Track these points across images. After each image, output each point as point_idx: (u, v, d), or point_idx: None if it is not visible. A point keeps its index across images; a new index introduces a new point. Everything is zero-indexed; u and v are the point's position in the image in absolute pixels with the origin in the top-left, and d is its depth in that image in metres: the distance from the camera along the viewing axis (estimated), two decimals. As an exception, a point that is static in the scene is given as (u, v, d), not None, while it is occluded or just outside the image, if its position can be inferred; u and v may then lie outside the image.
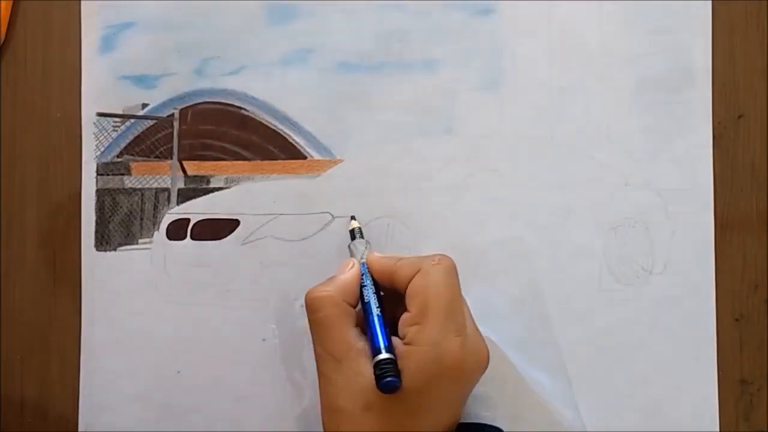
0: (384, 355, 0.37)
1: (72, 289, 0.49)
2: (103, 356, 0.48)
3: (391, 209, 0.47)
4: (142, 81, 0.49)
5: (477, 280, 0.45)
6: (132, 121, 0.49)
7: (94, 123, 0.49)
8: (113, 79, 0.49)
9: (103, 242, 0.49)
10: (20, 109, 0.50)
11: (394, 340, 0.39)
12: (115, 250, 0.49)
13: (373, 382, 0.38)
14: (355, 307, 0.41)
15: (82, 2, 0.49)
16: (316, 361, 0.40)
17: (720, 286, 0.46)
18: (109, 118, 0.49)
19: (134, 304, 0.48)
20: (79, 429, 0.48)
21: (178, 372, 0.48)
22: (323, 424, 0.40)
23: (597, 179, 0.47)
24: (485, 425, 0.43)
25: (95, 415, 0.48)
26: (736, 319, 0.46)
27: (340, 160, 0.48)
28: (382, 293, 0.42)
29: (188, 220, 0.48)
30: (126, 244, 0.49)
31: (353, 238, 0.45)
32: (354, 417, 0.38)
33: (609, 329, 0.46)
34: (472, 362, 0.39)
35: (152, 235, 0.49)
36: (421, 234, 0.47)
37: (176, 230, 0.48)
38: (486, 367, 0.40)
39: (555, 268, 0.47)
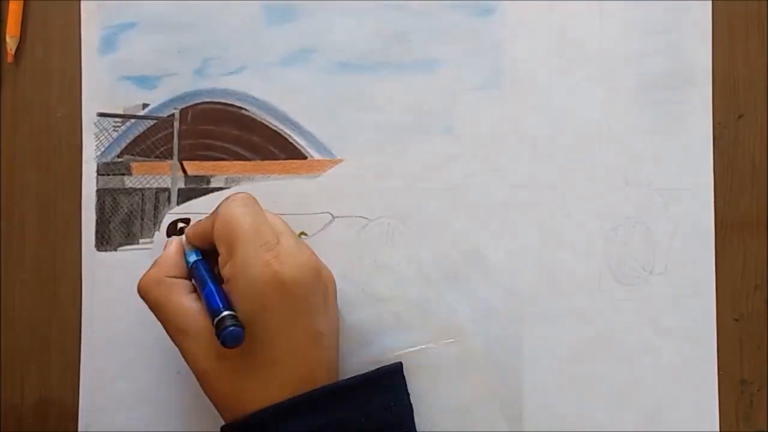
0: (222, 314, 0.37)
1: (72, 289, 0.49)
2: (103, 356, 0.48)
3: (391, 209, 0.47)
4: (143, 81, 0.49)
5: (477, 279, 0.45)
6: (132, 121, 0.49)
7: (95, 123, 0.49)
8: (114, 79, 0.49)
9: (104, 242, 0.49)
10: (20, 110, 0.50)
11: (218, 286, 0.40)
12: (115, 250, 0.49)
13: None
14: (183, 277, 0.42)
15: (82, 2, 0.49)
16: (173, 342, 0.41)
17: (720, 286, 0.46)
18: (109, 118, 0.49)
19: (134, 304, 0.46)
20: (79, 429, 0.48)
21: (178, 372, 0.48)
22: (205, 394, 0.41)
23: (597, 179, 0.47)
24: (383, 367, 0.42)
25: (95, 415, 0.48)
26: (736, 319, 0.46)
27: (340, 160, 0.48)
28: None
29: (189, 220, 0.48)
30: (126, 244, 0.49)
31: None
32: (216, 372, 0.39)
33: (609, 329, 0.46)
34: (292, 269, 0.38)
35: (153, 235, 0.49)
36: (421, 234, 0.47)
37: (177, 230, 0.48)
38: (313, 272, 0.40)
39: (555, 268, 0.47)
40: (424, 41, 0.48)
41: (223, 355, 0.38)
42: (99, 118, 0.49)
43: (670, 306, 0.46)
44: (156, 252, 0.48)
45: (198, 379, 0.40)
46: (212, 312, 0.38)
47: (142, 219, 0.49)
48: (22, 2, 0.49)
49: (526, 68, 0.47)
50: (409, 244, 0.47)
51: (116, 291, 0.48)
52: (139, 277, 0.46)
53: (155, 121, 0.49)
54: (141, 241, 0.49)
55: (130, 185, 0.49)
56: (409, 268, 0.47)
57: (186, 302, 0.40)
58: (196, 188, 0.48)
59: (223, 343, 0.36)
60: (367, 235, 0.47)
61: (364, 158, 0.48)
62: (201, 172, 0.49)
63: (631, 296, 0.46)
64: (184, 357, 0.40)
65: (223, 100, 0.48)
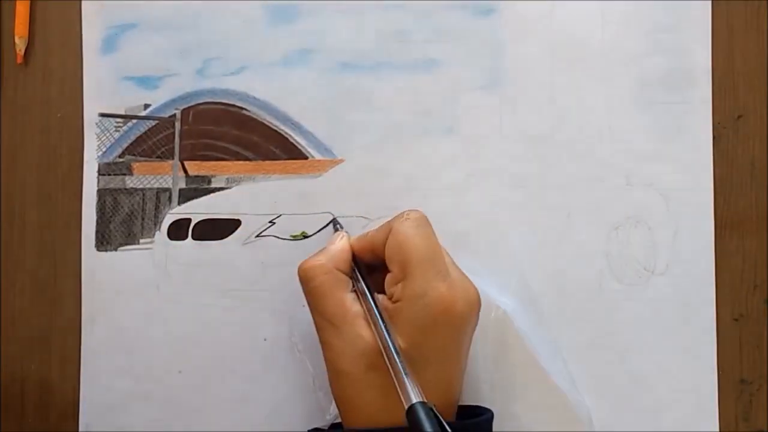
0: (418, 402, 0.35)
1: (72, 289, 0.49)
2: (104, 356, 0.48)
3: (391, 209, 0.46)
4: (145, 82, 0.49)
5: (477, 279, 0.44)
6: (134, 121, 0.49)
7: (96, 123, 0.49)
8: (115, 79, 0.49)
9: (104, 242, 0.49)
10: (21, 110, 0.50)
11: (383, 300, 0.40)
12: (116, 250, 0.49)
13: (374, 342, 0.38)
14: (348, 275, 0.42)
15: (83, 3, 0.49)
16: (317, 330, 0.41)
17: (720, 286, 0.46)
18: (111, 119, 0.49)
19: (135, 304, 0.48)
20: (79, 429, 0.48)
21: (179, 372, 0.48)
22: (331, 389, 0.40)
23: (598, 179, 0.47)
24: (479, 407, 0.42)
25: (95, 415, 0.48)
26: (736, 319, 0.46)
27: (341, 160, 0.48)
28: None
29: (189, 220, 0.48)
30: (127, 244, 0.49)
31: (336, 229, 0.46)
32: (357, 379, 0.39)
33: (610, 329, 0.46)
34: (462, 303, 0.39)
35: (153, 235, 0.49)
36: None
37: (177, 230, 0.48)
38: (479, 308, 0.40)
39: (556, 268, 0.47)
40: (425, 41, 0.48)
41: (370, 365, 0.38)
42: (100, 118, 0.49)
43: (670, 306, 0.46)
44: (157, 252, 0.48)
45: (332, 377, 0.40)
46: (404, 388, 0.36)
47: (143, 219, 0.49)
48: (29, 3, 0.49)
49: (526, 68, 0.47)
50: None
51: (116, 291, 0.48)
52: (140, 277, 0.47)
53: (156, 122, 0.49)
54: (141, 241, 0.49)
55: (131, 185, 0.49)
56: None
57: (348, 300, 0.40)
58: (197, 188, 0.48)
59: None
60: None
61: (364, 158, 0.48)
62: (202, 172, 0.49)
63: (631, 296, 0.46)
64: (324, 350, 0.40)
65: (224, 101, 0.49)
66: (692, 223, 0.46)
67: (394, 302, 0.39)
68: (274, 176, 0.48)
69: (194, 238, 0.48)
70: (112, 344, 0.48)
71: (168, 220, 0.49)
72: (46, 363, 0.49)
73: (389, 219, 0.42)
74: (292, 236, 0.48)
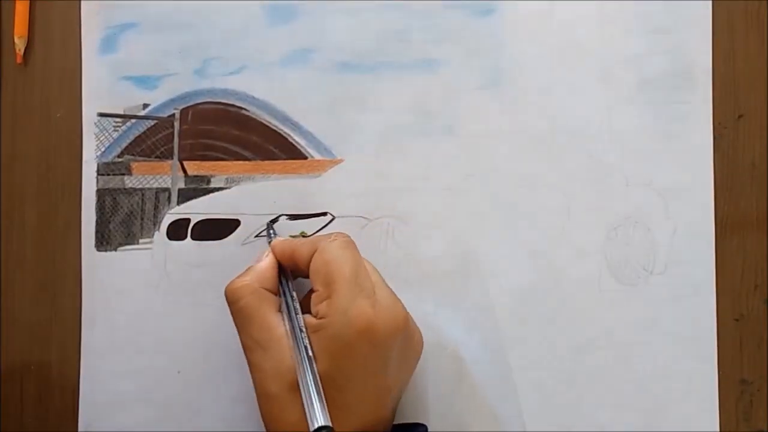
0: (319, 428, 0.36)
1: (72, 289, 0.49)
2: (103, 356, 0.48)
3: (391, 209, 0.47)
4: (143, 81, 0.49)
5: (477, 279, 0.45)
6: (133, 121, 0.49)
7: (95, 123, 0.49)
8: (114, 79, 0.49)
9: (104, 242, 0.49)
10: (21, 109, 0.50)
11: (307, 318, 0.40)
12: (115, 250, 0.49)
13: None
14: (275, 293, 0.42)
15: (82, 2, 0.49)
16: (244, 350, 0.41)
17: (720, 286, 0.46)
18: (110, 119, 0.49)
19: (134, 304, 0.48)
20: (79, 429, 0.48)
21: (179, 372, 0.48)
22: (260, 410, 0.40)
23: (597, 179, 0.47)
24: (413, 423, 0.43)
25: (95, 415, 0.48)
26: (736, 319, 0.46)
27: (341, 160, 0.48)
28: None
29: (189, 220, 0.48)
30: (126, 244, 0.49)
31: (269, 234, 0.46)
32: (282, 399, 0.38)
33: (609, 329, 0.46)
34: (386, 321, 0.38)
35: (153, 235, 0.49)
36: (421, 234, 0.47)
37: (177, 230, 0.48)
38: (404, 327, 0.40)
39: (555, 268, 0.47)
40: (425, 41, 0.48)
41: (293, 386, 0.38)
42: (99, 118, 0.49)
43: (670, 306, 0.46)
44: (156, 252, 0.48)
45: (258, 399, 0.40)
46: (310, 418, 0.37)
47: (142, 219, 0.49)
48: (28, 2, 0.49)
49: (526, 68, 0.47)
50: (409, 244, 0.47)
51: (116, 291, 0.48)
52: (140, 277, 0.47)
53: (155, 121, 0.49)
54: (141, 241, 0.49)
55: (131, 185, 0.49)
56: (408, 268, 0.47)
57: (274, 320, 0.40)
58: (197, 188, 0.48)
59: None
60: (367, 235, 0.47)
61: (364, 158, 0.48)
62: (201, 172, 0.48)
63: (631, 296, 0.46)
64: (251, 371, 0.40)
65: (223, 100, 0.48)
66: (692, 223, 0.46)
67: (319, 319, 0.39)
68: (273, 176, 0.48)
69: (193, 238, 0.48)
70: (112, 344, 0.48)
71: (167, 220, 0.48)
72: (46, 363, 0.49)
73: (318, 235, 0.43)
74: (291, 236, 0.47)
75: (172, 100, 0.49)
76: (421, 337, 0.43)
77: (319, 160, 0.48)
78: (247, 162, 0.48)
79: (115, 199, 0.49)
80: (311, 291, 0.41)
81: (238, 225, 0.48)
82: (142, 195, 0.49)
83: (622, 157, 0.47)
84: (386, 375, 0.39)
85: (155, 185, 0.49)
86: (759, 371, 0.46)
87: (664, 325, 0.46)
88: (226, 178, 0.48)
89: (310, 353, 0.38)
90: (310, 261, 0.41)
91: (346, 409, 0.38)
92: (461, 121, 0.47)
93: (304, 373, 0.38)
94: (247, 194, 0.48)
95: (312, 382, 0.37)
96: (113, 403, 0.48)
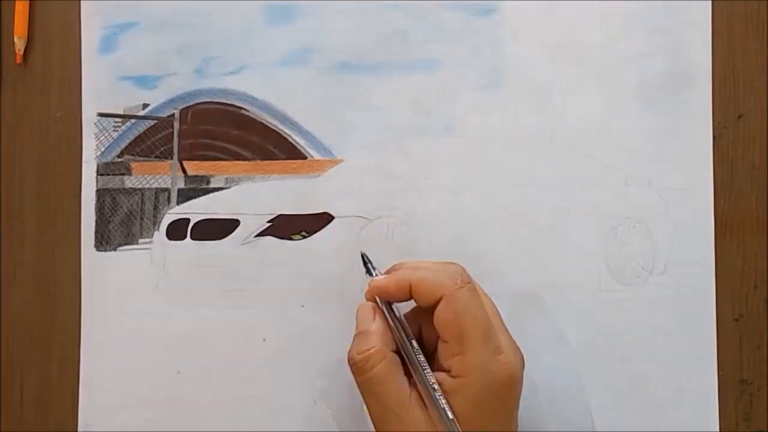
0: None
1: (72, 289, 0.49)
2: (103, 356, 0.48)
3: (391, 209, 0.47)
4: (143, 81, 0.49)
5: (477, 279, 0.44)
6: (132, 121, 0.49)
7: (95, 123, 0.49)
8: (114, 79, 0.49)
9: (103, 242, 0.49)
10: (20, 109, 0.50)
11: (439, 375, 0.39)
12: (115, 250, 0.49)
13: (432, 424, 0.38)
14: (395, 351, 0.40)
15: (82, 2, 0.49)
16: (374, 421, 0.39)
17: (720, 286, 0.46)
18: (109, 119, 0.49)
19: (134, 304, 0.48)
20: (79, 429, 0.48)
21: (178, 372, 0.48)
22: None
23: (597, 179, 0.47)
24: None
25: (95, 415, 0.48)
26: (736, 319, 0.46)
27: (340, 160, 0.48)
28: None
29: (188, 220, 0.48)
30: (126, 244, 0.49)
31: (369, 272, 0.43)
32: None
33: (609, 329, 0.46)
34: (518, 368, 0.39)
35: (152, 235, 0.49)
36: (421, 234, 0.47)
37: (176, 230, 0.48)
38: (523, 373, 0.40)
39: (555, 268, 0.47)
40: (424, 41, 0.48)
41: None
42: (99, 118, 0.49)
43: (669, 306, 0.46)
44: (156, 252, 0.48)
45: None
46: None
47: (142, 219, 0.49)
48: (28, 2, 0.49)
49: (525, 68, 0.47)
50: (409, 244, 0.47)
51: (116, 291, 0.48)
52: (139, 277, 0.47)
53: (155, 121, 0.49)
54: (140, 241, 0.49)
55: (130, 185, 0.49)
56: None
57: (405, 386, 0.39)
58: (196, 188, 0.48)
59: None
60: (366, 235, 0.47)
61: (364, 158, 0.48)
62: (201, 172, 0.48)
63: (630, 296, 0.46)
64: None
65: (223, 100, 0.48)
66: (691, 223, 0.46)
67: (454, 377, 0.38)
68: (273, 176, 0.48)
69: (193, 238, 0.48)
70: (111, 344, 0.48)
71: (167, 220, 0.49)
72: (46, 363, 0.49)
73: (432, 270, 0.40)
74: (291, 236, 0.48)
75: (172, 100, 0.49)
76: None
77: (318, 160, 0.48)
78: (246, 162, 0.48)
79: (114, 199, 0.49)
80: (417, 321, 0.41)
81: (238, 225, 0.48)
82: (142, 195, 0.49)
83: (621, 157, 0.47)
84: (514, 417, 0.40)
85: (155, 185, 0.49)
86: (759, 371, 0.46)
87: (663, 326, 0.46)
88: (226, 178, 0.48)
89: (451, 416, 0.38)
90: (434, 306, 0.39)
91: None
92: (461, 121, 0.47)
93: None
94: (247, 194, 0.48)
95: None
96: (113, 404, 0.48)
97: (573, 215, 0.47)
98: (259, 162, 0.48)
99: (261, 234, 0.48)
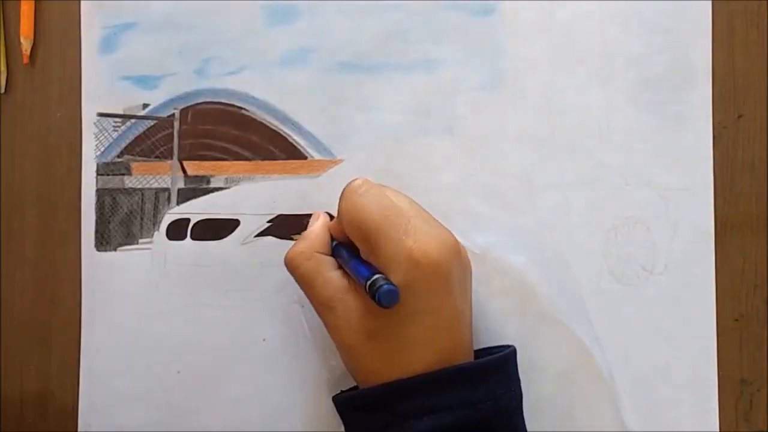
0: (374, 276, 0.37)
1: (72, 289, 0.49)
2: (103, 356, 0.48)
3: None
4: (143, 81, 0.49)
5: (477, 280, 0.44)
6: (132, 121, 0.49)
7: (95, 123, 0.49)
8: (114, 79, 0.49)
9: (103, 242, 0.49)
10: (20, 110, 0.50)
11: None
12: (115, 250, 0.49)
13: (367, 311, 0.39)
14: (330, 254, 0.43)
15: (82, 2, 0.49)
16: (318, 314, 0.42)
17: (720, 286, 0.46)
18: (109, 119, 0.49)
19: (134, 304, 0.48)
20: (79, 429, 0.48)
21: (178, 372, 0.48)
22: (343, 363, 0.42)
23: (597, 179, 0.47)
24: (499, 346, 0.43)
25: (95, 415, 0.48)
26: (736, 320, 0.46)
27: (340, 160, 0.48)
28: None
29: (188, 220, 0.48)
30: (126, 244, 0.49)
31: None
32: (361, 350, 0.40)
33: (609, 330, 0.46)
34: (436, 251, 0.38)
35: (152, 235, 0.49)
36: None
37: (176, 230, 0.48)
38: (457, 251, 0.40)
39: (555, 268, 0.47)
40: (424, 41, 0.47)
41: (369, 334, 0.39)
42: (99, 118, 0.49)
43: (669, 306, 0.46)
44: (156, 252, 0.48)
45: (341, 353, 0.41)
46: (363, 277, 0.38)
47: (142, 219, 0.49)
48: (33, 3, 0.49)
49: (525, 68, 0.47)
50: None
51: (116, 291, 0.48)
52: (140, 277, 0.47)
53: (155, 121, 0.49)
54: (141, 241, 0.49)
55: (130, 185, 0.49)
56: None
57: (335, 278, 0.41)
58: (196, 188, 0.48)
59: (380, 303, 0.36)
60: None
61: (364, 158, 0.48)
62: (201, 172, 0.48)
63: (630, 296, 0.46)
64: (328, 330, 0.41)
65: (223, 100, 0.48)
66: (691, 223, 0.46)
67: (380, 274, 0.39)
68: (273, 176, 0.48)
69: (193, 238, 0.48)
70: (112, 344, 0.48)
71: (167, 220, 0.48)
72: (46, 363, 0.49)
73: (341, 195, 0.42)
74: (291, 236, 0.48)
75: (172, 100, 0.49)
76: (467, 253, 0.42)
77: (318, 160, 0.48)
78: (246, 162, 0.48)
79: (114, 199, 0.49)
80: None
81: (238, 225, 0.48)
82: (142, 195, 0.49)
83: (621, 157, 0.47)
84: (455, 299, 0.39)
85: (155, 185, 0.49)
86: (759, 371, 0.46)
87: (663, 326, 0.46)
88: (226, 178, 0.48)
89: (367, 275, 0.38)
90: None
91: (421, 341, 0.39)
92: (461, 122, 0.47)
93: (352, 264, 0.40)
94: (247, 194, 0.48)
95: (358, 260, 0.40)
96: (113, 403, 0.48)
97: (573, 215, 0.47)
98: (260, 162, 0.48)
99: (261, 234, 0.48)
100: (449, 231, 0.40)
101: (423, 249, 0.38)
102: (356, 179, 0.42)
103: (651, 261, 0.46)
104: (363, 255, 0.41)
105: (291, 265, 0.42)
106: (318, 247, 0.42)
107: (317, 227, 0.44)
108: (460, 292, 0.40)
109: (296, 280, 0.42)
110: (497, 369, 0.40)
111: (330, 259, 0.42)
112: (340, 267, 0.42)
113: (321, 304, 0.41)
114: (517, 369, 0.42)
